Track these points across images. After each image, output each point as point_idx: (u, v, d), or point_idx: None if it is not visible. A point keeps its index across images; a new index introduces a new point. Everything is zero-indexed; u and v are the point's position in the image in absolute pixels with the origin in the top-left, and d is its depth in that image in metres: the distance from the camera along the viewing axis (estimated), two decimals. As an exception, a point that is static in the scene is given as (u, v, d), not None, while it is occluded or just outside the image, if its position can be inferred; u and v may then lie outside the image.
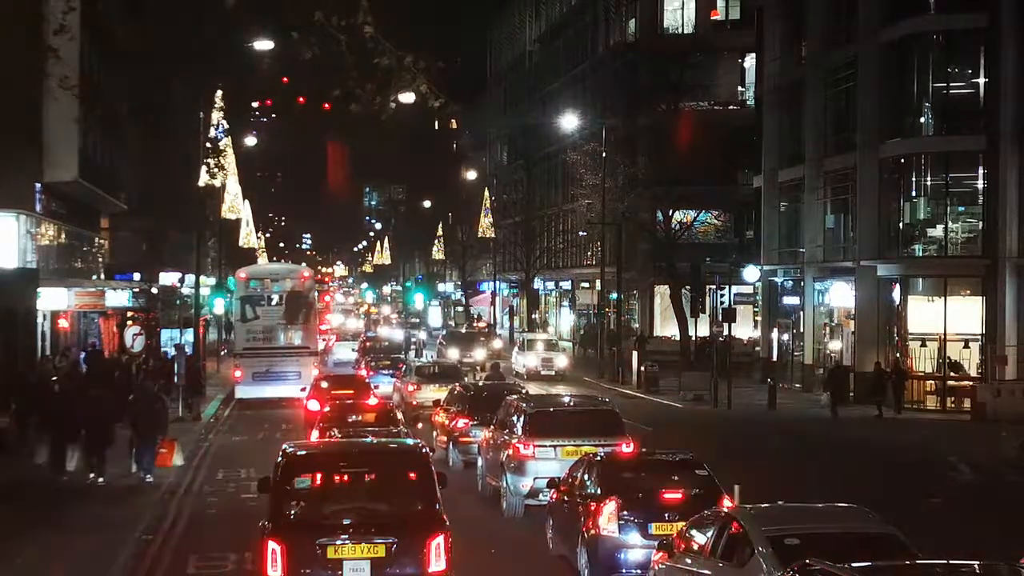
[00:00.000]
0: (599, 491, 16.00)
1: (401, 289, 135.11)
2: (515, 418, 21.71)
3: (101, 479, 23.33)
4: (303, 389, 37.41)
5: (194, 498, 22.88)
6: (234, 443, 31.14)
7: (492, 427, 23.34)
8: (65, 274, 39.18)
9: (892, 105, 41.31)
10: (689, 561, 13.10)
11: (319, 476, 14.04)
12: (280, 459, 14.17)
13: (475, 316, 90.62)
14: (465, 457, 25.91)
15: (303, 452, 15.02)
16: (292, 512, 13.63)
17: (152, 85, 48.10)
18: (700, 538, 13.17)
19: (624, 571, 15.33)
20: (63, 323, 39.81)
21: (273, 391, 40.08)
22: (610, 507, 15.44)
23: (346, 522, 13.32)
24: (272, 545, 13.02)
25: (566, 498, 17.16)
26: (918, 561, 9.74)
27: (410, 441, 17.01)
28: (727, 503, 15.25)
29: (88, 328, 44.01)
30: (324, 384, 33.95)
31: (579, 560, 15.96)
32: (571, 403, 24.39)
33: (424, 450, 14.74)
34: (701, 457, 17.30)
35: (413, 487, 13.90)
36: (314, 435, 22.83)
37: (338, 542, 13.04)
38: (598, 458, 17.40)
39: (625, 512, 15.44)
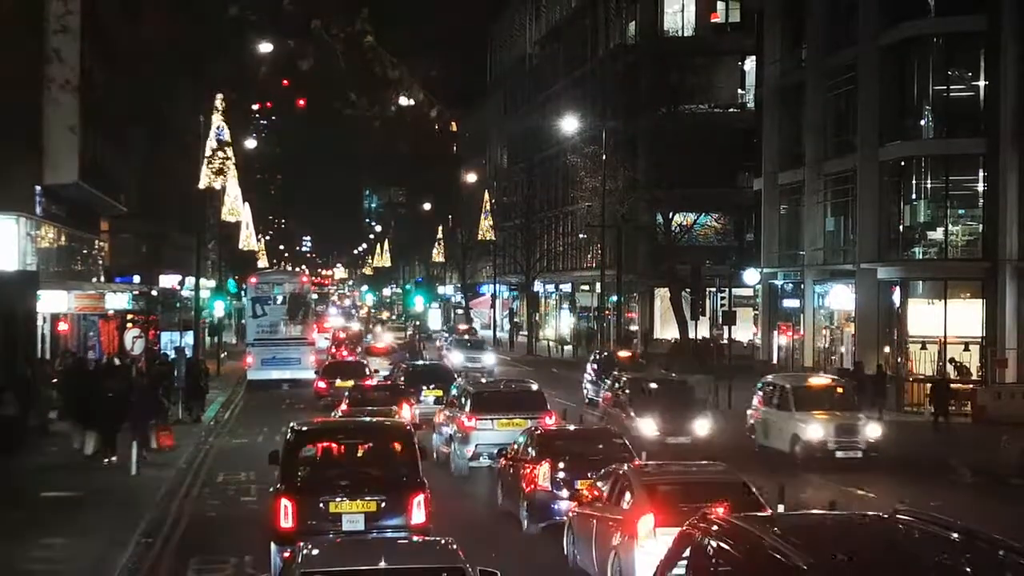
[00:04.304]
0: (536, 455, 19.72)
1: (401, 292, 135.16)
2: (462, 399, 26.57)
3: (115, 458, 25.63)
4: (316, 372, 44.64)
5: (194, 501, 22.83)
6: (234, 446, 31.08)
7: (443, 407, 28.70)
8: (65, 276, 39.13)
9: (892, 108, 41.35)
10: (595, 509, 16.10)
11: (321, 447, 16.96)
12: (289, 435, 16.70)
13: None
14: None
15: (306, 428, 17.60)
16: (299, 476, 16.21)
17: (152, 88, 48.14)
18: (602, 488, 16.26)
19: (556, 518, 18.48)
20: (63, 326, 39.77)
21: (279, 374, 47.64)
22: (544, 468, 19.10)
23: (344, 483, 15.91)
24: (284, 502, 15.51)
25: (511, 463, 20.80)
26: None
27: (399, 420, 20.30)
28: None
29: (88, 331, 43.99)
30: (333, 368, 42.27)
31: (521, 511, 19.66)
32: (506, 386, 29.24)
33: (409, 428, 17.71)
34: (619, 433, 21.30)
35: (399, 456, 16.51)
36: (343, 407, 28.87)
37: (337, 499, 15.63)
38: (537, 431, 21.26)
39: (557, 472, 18.95)
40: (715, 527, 9.24)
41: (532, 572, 16.84)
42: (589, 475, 17.85)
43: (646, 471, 16.30)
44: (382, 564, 10.43)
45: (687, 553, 9.48)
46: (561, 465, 19.05)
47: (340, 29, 10.40)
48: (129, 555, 17.71)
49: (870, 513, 9.36)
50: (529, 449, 20.27)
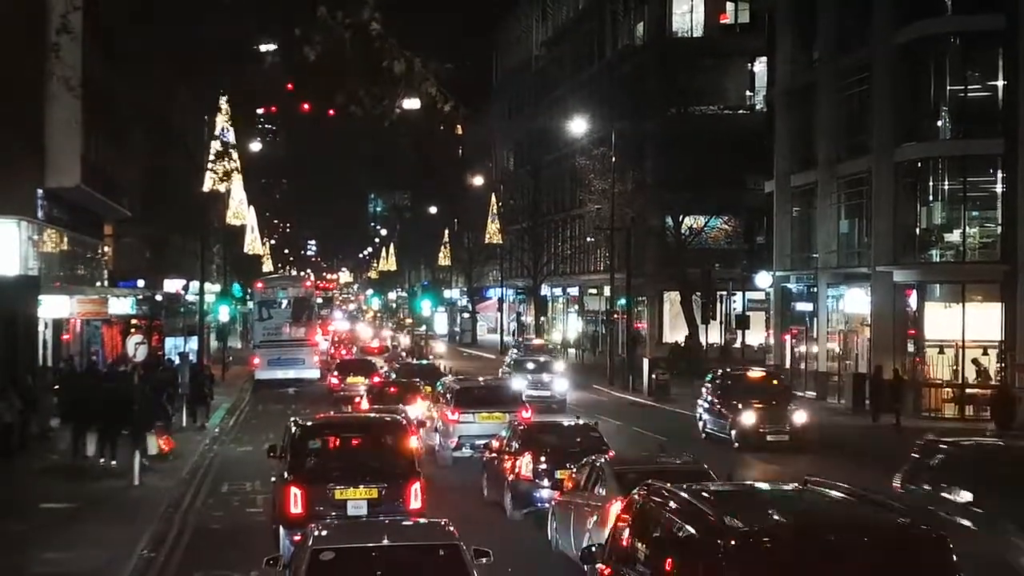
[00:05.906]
0: (519, 448, 21.29)
1: (407, 296, 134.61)
2: (447, 395, 29.15)
3: (114, 462, 25.57)
4: (328, 371, 48.29)
5: (198, 512, 22.24)
6: (239, 454, 30.50)
7: (429, 403, 31.16)
8: (68, 281, 38.58)
9: (907, 108, 40.73)
10: (573, 497, 17.66)
11: (326, 440, 18.56)
12: (295, 429, 18.28)
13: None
14: None
15: (311, 423, 19.45)
16: (306, 466, 17.64)
17: (156, 90, 47.60)
18: (580, 478, 17.80)
19: (538, 505, 20.07)
20: (65, 331, 39.20)
21: (284, 374, 50.17)
22: (526, 458, 20.69)
23: (348, 472, 17.37)
24: (294, 490, 16.94)
25: (495, 455, 22.51)
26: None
27: (398, 416, 21.35)
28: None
29: (92, 336, 43.41)
30: (344, 366, 45.91)
31: (505, 499, 21.24)
32: (485, 383, 32.40)
33: (405, 422, 19.42)
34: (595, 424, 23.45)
35: (396, 448, 18.12)
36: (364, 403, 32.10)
37: (342, 487, 17.08)
38: (520, 426, 22.94)
39: (538, 463, 20.47)
40: (654, 494, 10.71)
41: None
42: (568, 466, 19.21)
43: (616, 461, 17.76)
44: (385, 541, 11.48)
45: (632, 519, 10.99)
46: (542, 457, 20.65)
47: (347, 15, 10.09)
48: (131, 570, 17.16)
49: (783, 483, 11.34)
50: (512, 442, 21.92)
